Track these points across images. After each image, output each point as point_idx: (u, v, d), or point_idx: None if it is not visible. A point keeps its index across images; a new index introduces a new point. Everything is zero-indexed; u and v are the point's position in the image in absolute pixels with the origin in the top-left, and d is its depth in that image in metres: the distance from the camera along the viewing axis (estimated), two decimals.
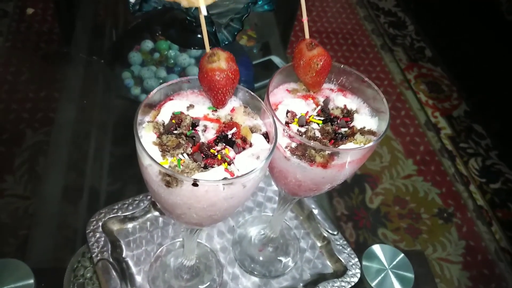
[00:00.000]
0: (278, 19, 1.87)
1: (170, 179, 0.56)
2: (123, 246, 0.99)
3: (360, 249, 1.05)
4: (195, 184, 0.55)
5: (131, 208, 1.03)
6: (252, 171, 0.57)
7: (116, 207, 1.02)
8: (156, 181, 0.58)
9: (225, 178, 0.57)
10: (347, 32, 2.67)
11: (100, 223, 0.99)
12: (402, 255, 1.05)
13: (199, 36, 1.38)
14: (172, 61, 1.40)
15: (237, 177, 0.58)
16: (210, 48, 0.64)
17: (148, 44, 1.42)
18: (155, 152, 0.60)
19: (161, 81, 1.34)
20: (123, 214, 1.02)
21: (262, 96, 0.71)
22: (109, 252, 0.95)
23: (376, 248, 1.06)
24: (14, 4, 2.13)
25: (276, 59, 1.56)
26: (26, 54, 1.73)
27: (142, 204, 1.04)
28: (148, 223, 1.03)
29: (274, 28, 1.86)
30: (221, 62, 0.62)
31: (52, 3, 2.03)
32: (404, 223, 1.69)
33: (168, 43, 1.43)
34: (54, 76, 1.59)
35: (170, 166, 0.58)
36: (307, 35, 0.72)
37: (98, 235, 0.97)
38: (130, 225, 1.02)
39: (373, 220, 1.71)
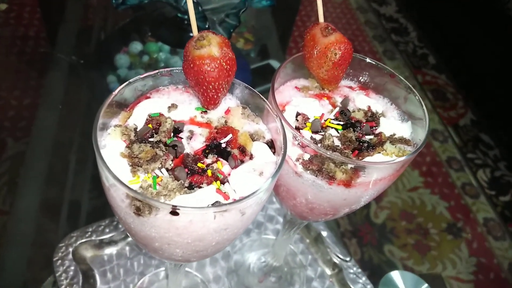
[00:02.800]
0: (276, 22, 1.77)
1: (140, 205, 0.41)
2: (97, 277, 0.84)
3: (366, 269, 0.94)
4: (174, 212, 0.39)
5: (108, 230, 0.88)
6: (254, 193, 0.42)
7: (90, 229, 0.88)
8: (122, 207, 0.43)
9: (216, 203, 0.42)
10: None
11: (71, 249, 0.85)
12: (426, 285, 0.92)
13: (191, 34, 1.26)
14: (163, 64, 1.30)
15: (234, 202, 0.43)
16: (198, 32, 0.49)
17: (136, 46, 1.32)
18: (123, 166, 0.44)
19: None
20: (99, 238, 0.87)
21: (265, 96, 0.56)
22: (80, 284, 0.81)
23: (395, 275, 0.93)
24: None
25: (275, 63, 1.49)
26: (10, 60, 1.62)
27: (121, 226, 0.88)
28: (128, 248, 0.88)
29: (272, 30, 1.76)
30: (212, 47, 0.47)
31: (38, 6, 1.93)
32: (412, 239, 1.56)
33: (158, 45, 1.34)
34: (37, 82, 1.47)
35: (141, 187, 0.43)
36: (321, 18, 0.57)
37: (67, 263, 0.83)
38: (106, 251, 0.88)
39: (378, 236, 1.58)
